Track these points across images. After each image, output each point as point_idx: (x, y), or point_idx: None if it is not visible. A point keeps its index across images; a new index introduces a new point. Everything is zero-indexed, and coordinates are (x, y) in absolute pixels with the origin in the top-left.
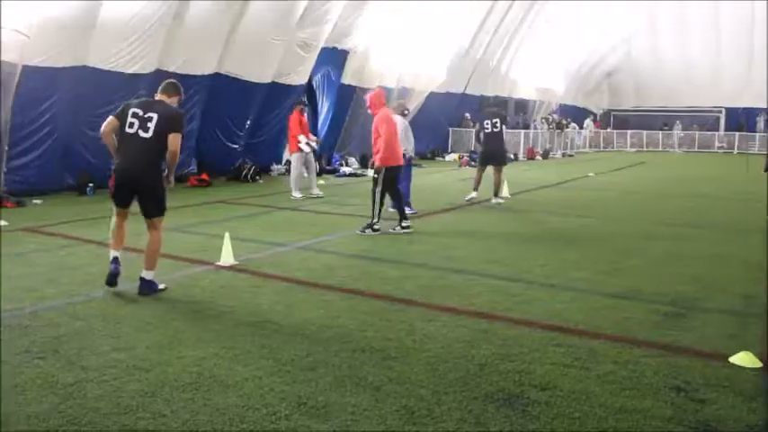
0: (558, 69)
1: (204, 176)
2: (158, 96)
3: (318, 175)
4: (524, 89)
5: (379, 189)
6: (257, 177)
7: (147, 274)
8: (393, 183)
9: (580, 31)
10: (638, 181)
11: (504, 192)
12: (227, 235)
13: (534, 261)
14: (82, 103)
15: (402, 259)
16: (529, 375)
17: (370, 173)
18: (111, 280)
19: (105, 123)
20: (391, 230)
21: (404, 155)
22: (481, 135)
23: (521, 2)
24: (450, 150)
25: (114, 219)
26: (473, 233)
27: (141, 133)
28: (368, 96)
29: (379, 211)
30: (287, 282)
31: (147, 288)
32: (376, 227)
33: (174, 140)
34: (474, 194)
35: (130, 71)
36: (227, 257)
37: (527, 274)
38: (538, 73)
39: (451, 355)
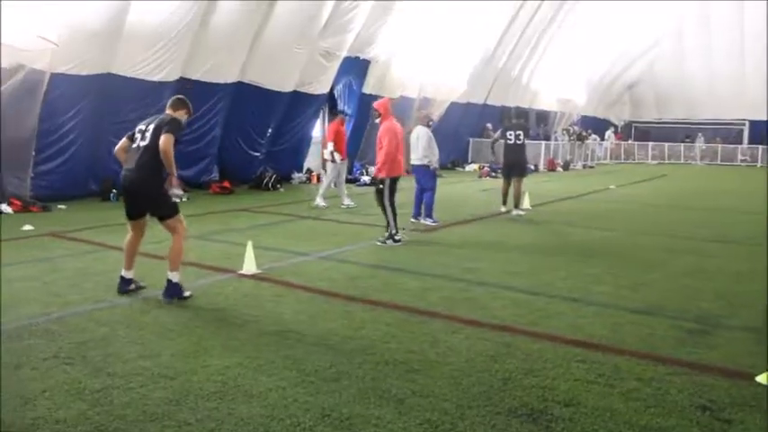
0: (579, 80)
1: (226, 184)
2: (166, 111)
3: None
4: (545, 100)
5: (387, 199)
6: (278, 186)
7: (172, 276)
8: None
9: (602, 42)
10: (659, 194)
11: (526, 203)
12: (249, 244)
13: (556, 274)
14: (107, 111)
15: (424, 270)
16: (552, 391)
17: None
18: (122, 291)
19: (119, 144)
20: (378, 242)
21: (428, 165)
22: (495, 145)
23: (543, 12)
24: (470, 161)
25: (127, 235)
26: (495, 245)
27: (141, 143)
28: (378, 105)
29: (395, 220)
30: (309, 291)
31: (172, 291)
32: (397, 237)
33: (164, 140)
34: (503, 208)
35: (155, 79)
36: (249, 266)
37: (549, 287)
38: (559, 84)
39: (475, 369)
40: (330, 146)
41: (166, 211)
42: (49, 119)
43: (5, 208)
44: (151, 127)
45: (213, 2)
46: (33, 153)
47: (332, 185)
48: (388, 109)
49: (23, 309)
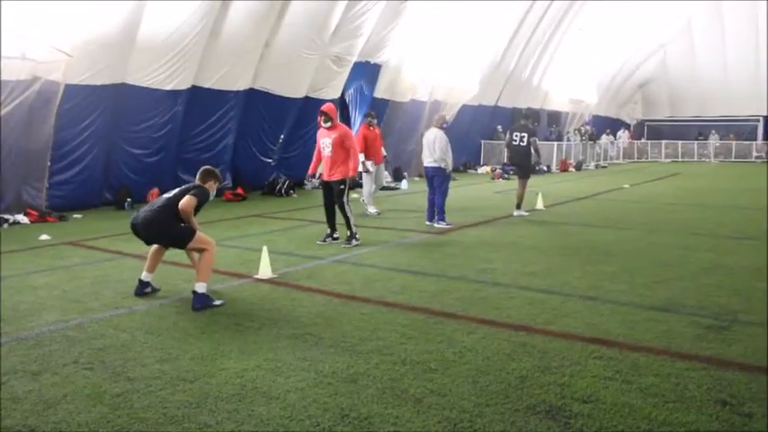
0: (590, 80)
1: (239, 191)
2: (196, 181)
3: (351, 188)
4: (557, 101)
5: (346, 198)
6: (291, 191)
7: (199, 286)
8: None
9: (613, 41)
10: (673, 192)
11: (539, 204)
12: (264, 248)
13: (572, 273)
14: (121, 120)
15: (439, 272)
16: (570, 388)
17: (403, 185)
18: (138, 293)
19: None
20: (345, 245)
21: (444, 168)
22: (508, 148)
23: (552, 12)
24: (482, 163)
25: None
26: (509, 246)
27: (165, 194)
28: (329, 110)
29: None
30: (325, 294)
31: (200, 302)
32: (358, 236)
33: (186, 200)
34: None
35: (168, 88)
36: (265, 270)
37: (565, 286)
38: (570, 84)
39: (492, 368)
40: (361, 156)
41: (183, 240)
42: (64, 129)
43: (22, 218)
44: (180, 188)
45: (224, 8)
46: (49, 164)
47: (373, 191)
48: (336, 114)
49: (44, 316)
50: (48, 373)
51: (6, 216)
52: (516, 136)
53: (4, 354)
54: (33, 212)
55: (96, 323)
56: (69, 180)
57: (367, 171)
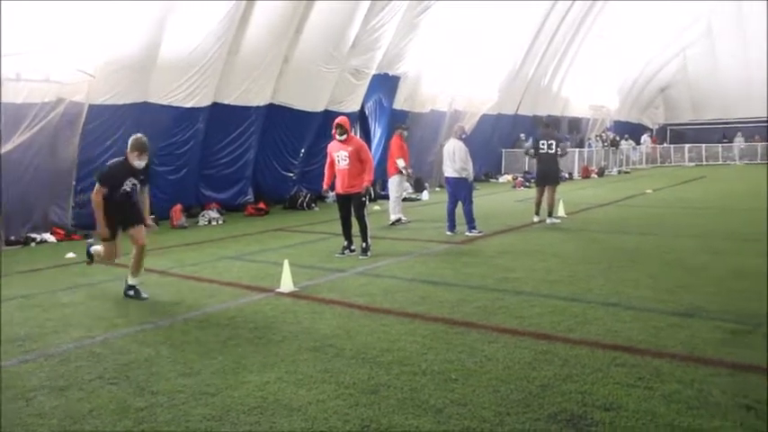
0: (610, 86)
1: (262, 205)
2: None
3: (372, 200)
4: (577, 107)
5: (366, 209)
6: (313, 205)
7: None
8: None
9: (633, 45)
10: (698, 196)
11: (561, 211)
12: (286, 262)
13: (593, 281)
14: None
15: (459, 282)
16: (592, 396)
17: (424, 196)
18: None
19: None
20: (362, 256)
21: (466, 178)
22: (531, 152)
23: (570, 18)
24: (503, 172)
25: None
26: (531, 254)
27: None
28: (344, 122)
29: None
30: (346, 307)
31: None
32: (372, 247)
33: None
34: (536, 218)
35: (189, 105)
36: (286, 284)
37: (586, 293)
38: (590, 90)
39: (513, 377)
40: (401, 162)
41: None
42: (88, 149)
43: (49, 237)
44: None
45: (243, 26)
46: (74, 183)
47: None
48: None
49: (70, 332)
50: (74, 389)
51: (34, 235)
52: (544, 144)
53: (32, 370)
54: (60, 231)
55: (121, 339)
56: None
57: (409, 175)
